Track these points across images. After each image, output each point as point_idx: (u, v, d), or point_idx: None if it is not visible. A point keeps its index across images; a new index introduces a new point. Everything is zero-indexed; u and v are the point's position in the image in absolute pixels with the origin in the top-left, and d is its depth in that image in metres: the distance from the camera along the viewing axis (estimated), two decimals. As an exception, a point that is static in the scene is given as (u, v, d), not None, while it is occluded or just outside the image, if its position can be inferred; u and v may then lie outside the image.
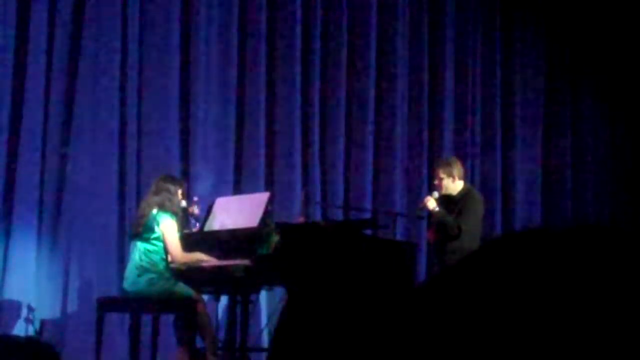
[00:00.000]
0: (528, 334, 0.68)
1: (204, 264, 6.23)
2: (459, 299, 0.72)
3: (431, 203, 6.73)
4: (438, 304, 0.73)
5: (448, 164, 6.90)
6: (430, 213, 6.78)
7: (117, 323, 7.10)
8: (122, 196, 7.64)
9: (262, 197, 6.43)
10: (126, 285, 6.39)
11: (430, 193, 6.95)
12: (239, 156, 8.20)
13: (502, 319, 0.69)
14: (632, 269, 0.71)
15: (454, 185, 6.83)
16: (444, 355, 0.69)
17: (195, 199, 6.84)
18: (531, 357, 0.67)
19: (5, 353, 2.26)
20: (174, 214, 6.34)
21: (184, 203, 6.54)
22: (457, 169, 6.88)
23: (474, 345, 0.68)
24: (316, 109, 8.56)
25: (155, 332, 6.50)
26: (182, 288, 6.23)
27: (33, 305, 7.17)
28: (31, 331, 7.00)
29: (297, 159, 8.38)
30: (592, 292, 0.70)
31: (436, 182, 6.86)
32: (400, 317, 0.74)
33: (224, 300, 6.78)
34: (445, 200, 6.77)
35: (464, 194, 6.85)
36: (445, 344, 0.69)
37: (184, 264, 6.29)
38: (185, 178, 7.58)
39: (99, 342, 6.16)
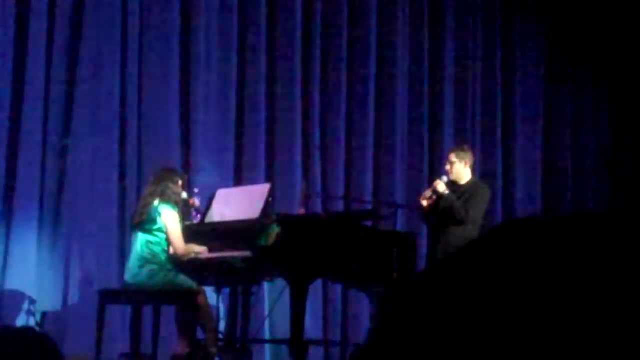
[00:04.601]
0: (530, 320, 0.67)
1: (202, 256, 6.22)
2: (460, 287, 0.71)
3: (441, 186, 6.73)
4: (439, 292, 0.72)
5: (462, 150, 7.00)
6: (440, 196, 6.73)
7: (118, 315, 7.10)
8: (122, 188, 7.64)
9: (263, 189, 6.41)
10: (128, 277, 6.38)
11: (439, 177, 6.96)
12: (239, 147, 8.20)
13: (504, 307, 0.68)
14: (632, 257, 0.70)
15: (464, 171, 6.86)
16: (446, 344, 0.68)
17: (196, 190, 6.83)
18: (533, 345, 0.66)
19: (1, 343, 2.25)
20: (175, 204, 6.33)
21: (184, 194, 6.53)
22: (470, 157, 6.98)
23: (476, 334, 0.67)
24: (317, 100, 8.54)
25: (157, 324, 6.49)
26: (183, 280, 6.22)
27: (34, 297, 7.17)
28: (32, 323, 6.99)
29: (298, 150, 8.37)
30: (594, 280, 0.69)
31: (448, 166, 6.89)
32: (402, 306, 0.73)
33: (225, 292, 6.78)
34: (452, 188, 6.77)
35: (472, 184, 6.88)
36: (446, 332, 0.68)
37: (185, 256, 6.27)
38: (186, 170, 7.58)
39: (100, 334, 6.15)
